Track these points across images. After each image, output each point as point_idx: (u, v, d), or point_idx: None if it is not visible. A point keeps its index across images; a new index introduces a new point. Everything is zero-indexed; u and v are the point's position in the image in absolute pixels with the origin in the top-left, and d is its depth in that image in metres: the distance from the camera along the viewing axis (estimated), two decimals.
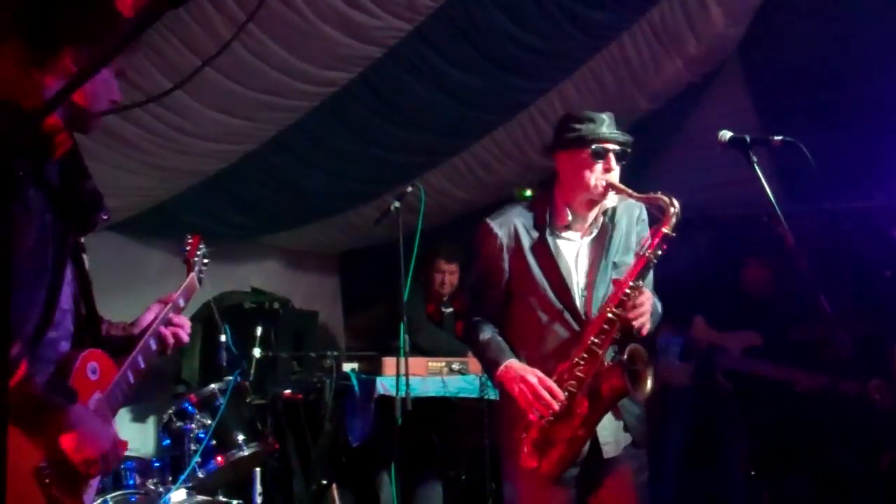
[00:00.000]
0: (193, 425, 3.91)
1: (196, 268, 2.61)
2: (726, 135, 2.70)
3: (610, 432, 2.82)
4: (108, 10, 1.90)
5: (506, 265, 2.93)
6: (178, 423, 3.94)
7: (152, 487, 3.75)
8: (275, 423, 4.88)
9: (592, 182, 2.84)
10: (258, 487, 4.29)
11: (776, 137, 2.64)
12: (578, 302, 2.85)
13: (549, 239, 2.89)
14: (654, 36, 4.84)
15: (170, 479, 3.83)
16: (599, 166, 2.84)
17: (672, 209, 2.73)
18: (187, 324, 2.33)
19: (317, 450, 5.07)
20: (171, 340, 2.27)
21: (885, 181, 5.27)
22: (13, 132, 1.56)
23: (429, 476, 5.07)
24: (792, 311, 4.86)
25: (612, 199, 2.91)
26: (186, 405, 3.98)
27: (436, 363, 4.85)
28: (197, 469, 3.85)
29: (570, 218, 2.93)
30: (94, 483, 2.03)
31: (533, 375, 2.75)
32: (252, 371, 4.80)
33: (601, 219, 2.94)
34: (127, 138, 4.14)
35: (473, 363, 4.68)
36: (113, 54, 1.85)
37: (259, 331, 5.04)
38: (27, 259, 1.83)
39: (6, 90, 1.87)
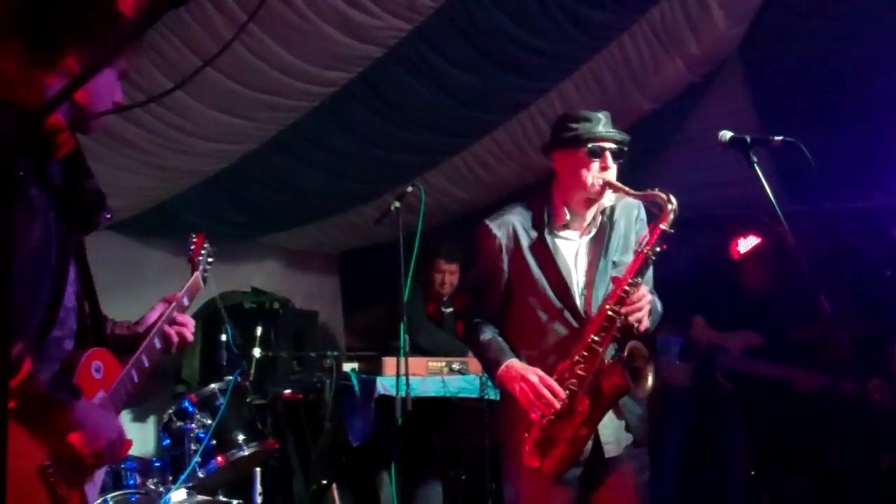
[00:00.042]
0: (193, 425, 3.91)
1: (200, 267, 2.62)
2: (726, 135, 2.70)
3: (611, 431, 2.83)
4: (109, 9, 1.91)
5: (505, 266, 2.94)
6: (179, 423, 3.94)
7: (152, 487, 3.75)
8: (275, 423, 4.88)
9: (589, 181, 2.85)
10: (258, 487, 4.29)
11: (776, 137, 2.64)
12: (578, 301, 2.86)
13: (548, 238, 2.90)
14: (655, 36, 4.84)
15: (170, 478, 3.83)
16: (596, 165, 2.85)
17: (669, 206, 2.74)
18: (191, 322, 2.33)
19: (317, 449, 5.07)
20: (175, 339, 2.28)
21: (885, 181, 5.27)
22: (14, 132, 1.56)
23: (429, 476, 5.08)
24: (792, 311, 4.86)
25: (609, 198, 2.92)
26: (186, 405, 3.98)
27: (436, 363, 4.85)
28: (197, 469, 3.85)
29: (568, 217, 2.94)
30: (98, 482, 2.03)
31: (534, 374, 2.76)
32: (252, 371, 4.80)
33: (600, 218, 2.95)
34: (127, 138, 4.14)
35: (473, 363, 4.68)
36: (114, 54, 1.86)
37: (259, 331, 5.05)
38: (31, 258, 1.84)
39: (7, 90, 1.87)
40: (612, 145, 2.87)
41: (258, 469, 4.31)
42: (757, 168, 2.62)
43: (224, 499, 4.07)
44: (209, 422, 3.92)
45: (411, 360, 4.16)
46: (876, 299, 4.72)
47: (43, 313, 1.88)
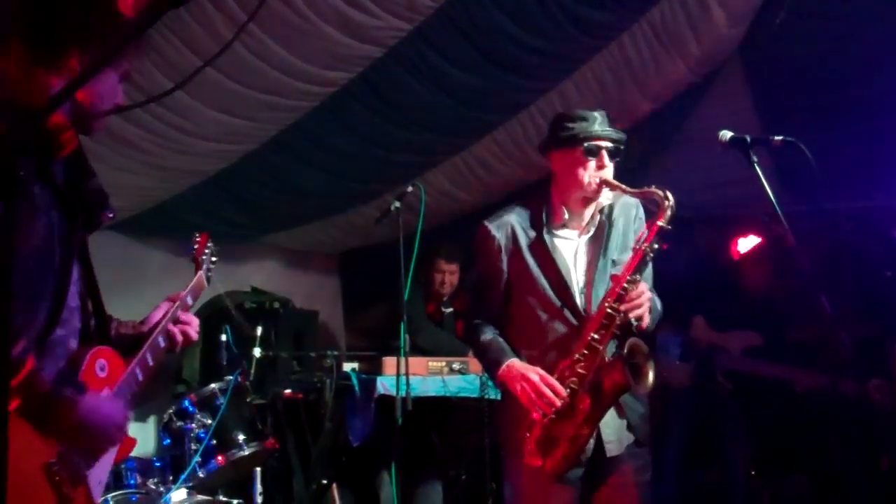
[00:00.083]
0: (194, 425, 3.91)
1: (204, 266, 2.62)
2: (727, 135, 2.71)
3: (613, 431, 2.83)
4: (109, 10, 1.91)
5: (504, 266, 2.95)
6: (179, 423, 3.94)
7: (153, 487, 3.75)
8: (275, 423, 4.88)
9: (586, 179, 2.86)
10: (258, 487, 4.30)
11: (777, 137, 2.65)
12: (578, 300, 2.86)
13: (546, 237, 2.91)
14: (655, 36, 4.84)
15: (170, 478, 3.83)
16: (593, 164, 2.86)
17: (666, 202, 2.76)
18: (195, 321, 2.34)
19: (317, 449, 5.07)
20: (179, 338, 2.29)
21: (885, 181, 5.27)
22: (15, 131, 1.57)
23: (429, 476, 5.08)
24: (792, 311, 4.86)
25: (607, 197, 2.93)
26: (187, 405, 3.98)
27: (436, 363, 4.85)
28: (197, 468, 3.85)
29: (566, 216, 2.95)
30: (103, 480, 2.05)
31: (534, 373, 2.76)
32: (252, 371, 4.80)
33: (598, 217, 2.96)
34: (127, 138, 4.14)
35: (473, 363, 4.68)
36: (115, 54, 1.86)
37: (259, 330, 5.05)
38: (34, 256, 1.84)
39: (9, 90, 1.88)
40: (609, 144, 2.88)
41: (258, 469, 4.31)
42: (757, 168, 2.62)
43: (224, 498, 4.07)
44: (209, 421, 3.93)
45: (411, 359, 4.17)
46: (876, 299, 4.72)
47: (47, 312, 1.89)
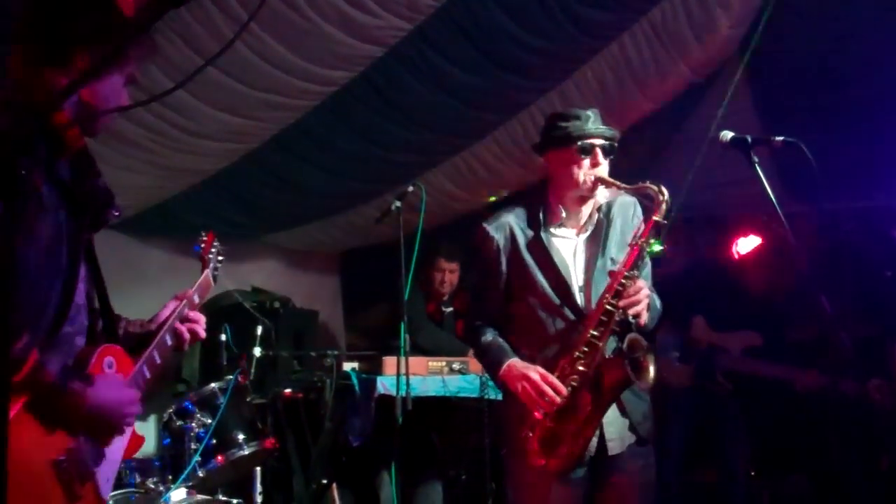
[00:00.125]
0: (194, 424, 3.91)
1: (211, 265, 2.63)
2: (727, 135, 2.71)
3: (616, 429, 2.83)
4: (115, 10, 1.93)
5: (504, 267, 2.96)
6: (179, 422, 3.94)
7: (152, 486, 3.74)
8: (275, 423, 4.88)
9: (581, 178, 2.87)
10: (258, 486, 4.30)
11: (778, 138, 2.65)
12: (578, 298, 2.87)
13: (544, 236, 2.92)
14: (656, 36, 4.84)
15: (170, 477, 3.82)
16: (587, 162, 2.87)
17: (661, 197, 2.77)
18: (203, 319, 2.36)
19: (317, 449, 5.07)
20: (187, 336, 2.31)
21: (885, 181, 5.27)
22: (18, 130, 1.57)
23: (429, 476, 5.08)
24: (792, 311, 4.87)
25: (603, 194, 2.95)
26: (187, 404, 3.98)
27: (436, 363, 4.85)
28: (197, 468, 3.85)
29: (563, 215, 2.96)
30: (112, 478, 2.06)
31: (535, 372, 2.77)
32: (252, 370, 4.80)
33: (596, 215, 2.97)
34: (128, 137, 4.14)
35: (474, 363, 4.68)
36: (120, 53, 1.88)
37: (259, 330, 5.05)
38: (42, 254, 1.86)
39: (15, 88, 1.89)
40: (603, 141, 2.89)
41: (258, 468, 4.31)
42: (758, 168, 2.62)
43: (224, 498, 4.07)
44: (209, 421, 3.92)
45: (411, 359, 4.17)
46: (876, 299, 4.73)
47: (54, 309, 1.90)
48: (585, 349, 2.73)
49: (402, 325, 4.08)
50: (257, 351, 4.94)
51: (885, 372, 4.33)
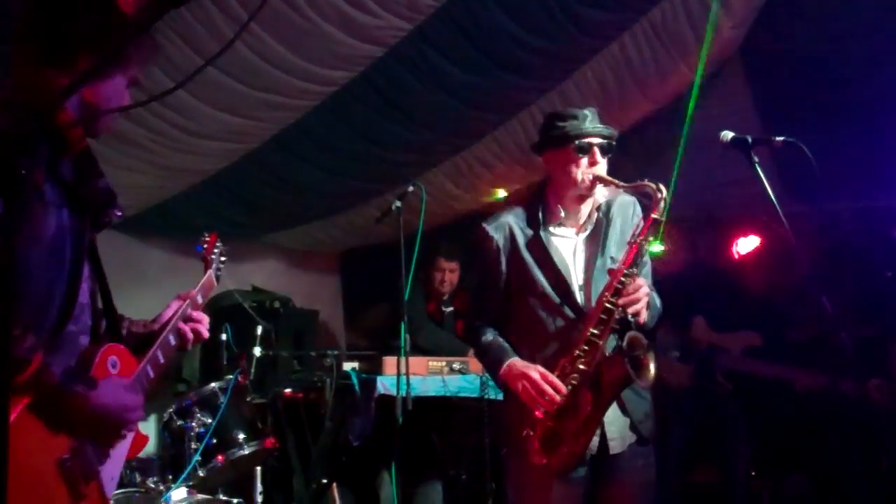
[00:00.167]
0: (194, 424, 3.91)
1: (213, 265, 2.63)
2: (728, 135, 2.71)
3: (617, 428, 2.83)
4: (112, 10, 1.93)
5: (504, 267, 2.96)
6: (179, 422, 3.94)
7: (153, 486, 3.74)
8: (275, 422, 4.88)
9: (579, 177, 2.88)
10: (258, 486, 4.30)
11: (778, 138, 2.65)
12: (578, 297, 2.87)
13: (543, 235, 2.92)
14: (656, 36, 4.84)
15: (170, 477, 3.82)
16: (585, 161, 2.88)
17: (659, 194, 2.77)
18: (206, 319, 2.36)
19: (317, 449, 5.07)
20: (190, 336, 2.31)
21: (885, 181, 5.28)
22: (18, 130, 1.58)
23: (429, 476, 5.08)
24: (792, 311, 4.87)
25: (602, 193, 2.96)
26: (187, 404, 3.98)
27: (436, 362, 4.85)
28: (197, 468, 3.85)
29: (562, 214, 2.96)
30: (116, 477, 2.06)
31: (535, 371, 2.77)
32: (252, 370, 4.80)
33: (595, 215, 2.98)
34: (129, 137, 4.14)
35: (474, 362, 4.68)
36: (121, 53, 1.88)
37: (259, 330, 5.05)
38: (45, 253, 1.86)
39: (17, 88, 1.89)
40: (600, 140, 2.89)
41: (258, 468, 4.31)
42: (759, 168, 2.62)
43: (224, 497, 4.07)
44: (209, 420, 3.92)
45: (411, 359, 4.17)
46: (876, 299, 4.73)
47: (58, 308, 1.91)
48: (585, 348, 2.73)
49: (403, 325, 4.08)
50: (257, 351, 4.94)
51: (885, 372, 4.33)
